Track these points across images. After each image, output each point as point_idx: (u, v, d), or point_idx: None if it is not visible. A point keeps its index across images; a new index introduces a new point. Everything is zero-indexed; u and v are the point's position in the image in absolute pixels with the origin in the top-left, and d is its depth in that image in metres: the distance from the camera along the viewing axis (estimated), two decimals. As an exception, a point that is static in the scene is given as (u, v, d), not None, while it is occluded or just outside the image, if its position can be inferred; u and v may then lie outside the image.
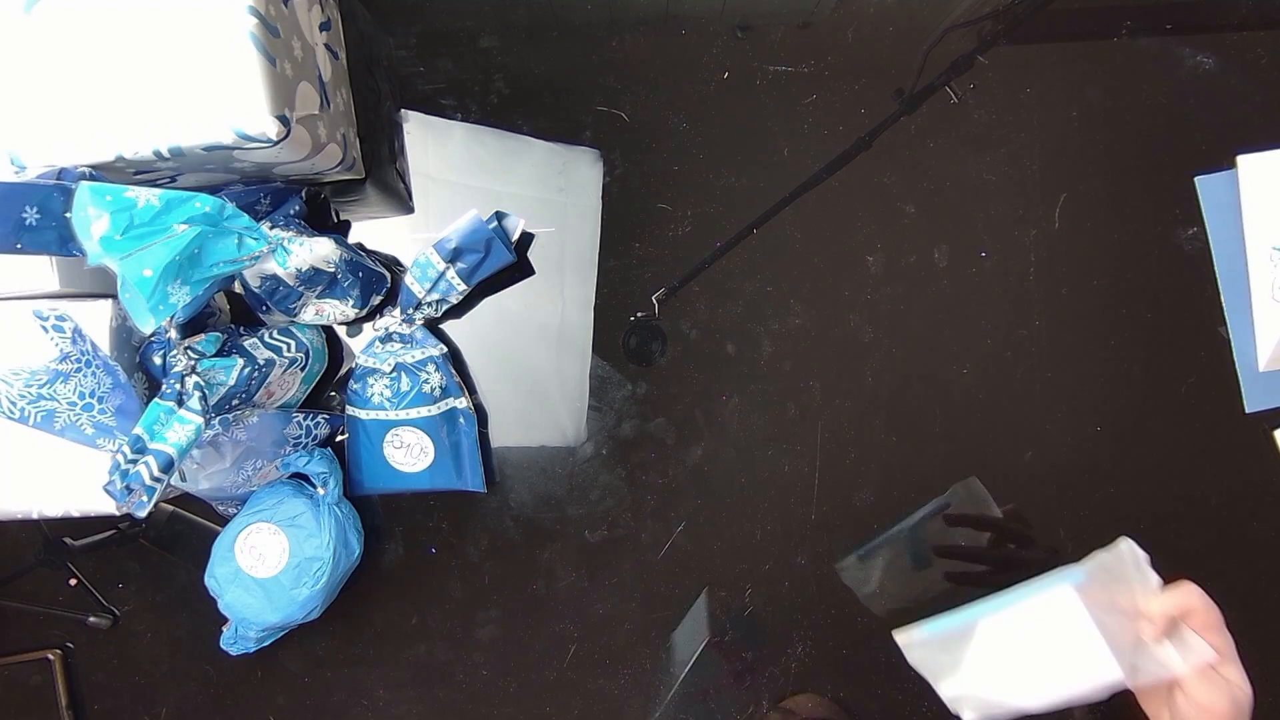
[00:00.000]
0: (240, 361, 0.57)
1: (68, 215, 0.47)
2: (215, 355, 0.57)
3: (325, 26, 0.63)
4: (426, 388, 0.65)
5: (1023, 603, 0.52)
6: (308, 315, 0.64)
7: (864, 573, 0.68)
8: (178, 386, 0.54)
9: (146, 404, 0.53)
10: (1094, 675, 0.50)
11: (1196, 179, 0.67)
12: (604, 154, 0.69)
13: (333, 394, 0.70)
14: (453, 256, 0.63)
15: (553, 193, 0.69)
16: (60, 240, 0.48)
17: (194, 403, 0.53)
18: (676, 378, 0.68)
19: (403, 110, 0.69)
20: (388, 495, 0.69)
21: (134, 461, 0.51)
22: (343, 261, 0.62)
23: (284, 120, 0.52)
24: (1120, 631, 0.51)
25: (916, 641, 0.56)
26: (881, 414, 0.68)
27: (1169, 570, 0.68)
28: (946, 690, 0.55)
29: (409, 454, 0.66)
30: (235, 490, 0.63)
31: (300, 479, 0.67)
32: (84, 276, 0.58)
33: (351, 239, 0.69)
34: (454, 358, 0.69)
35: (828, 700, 0.68)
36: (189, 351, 0.56)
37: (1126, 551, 0.53)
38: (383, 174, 0.70)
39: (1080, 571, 0.51)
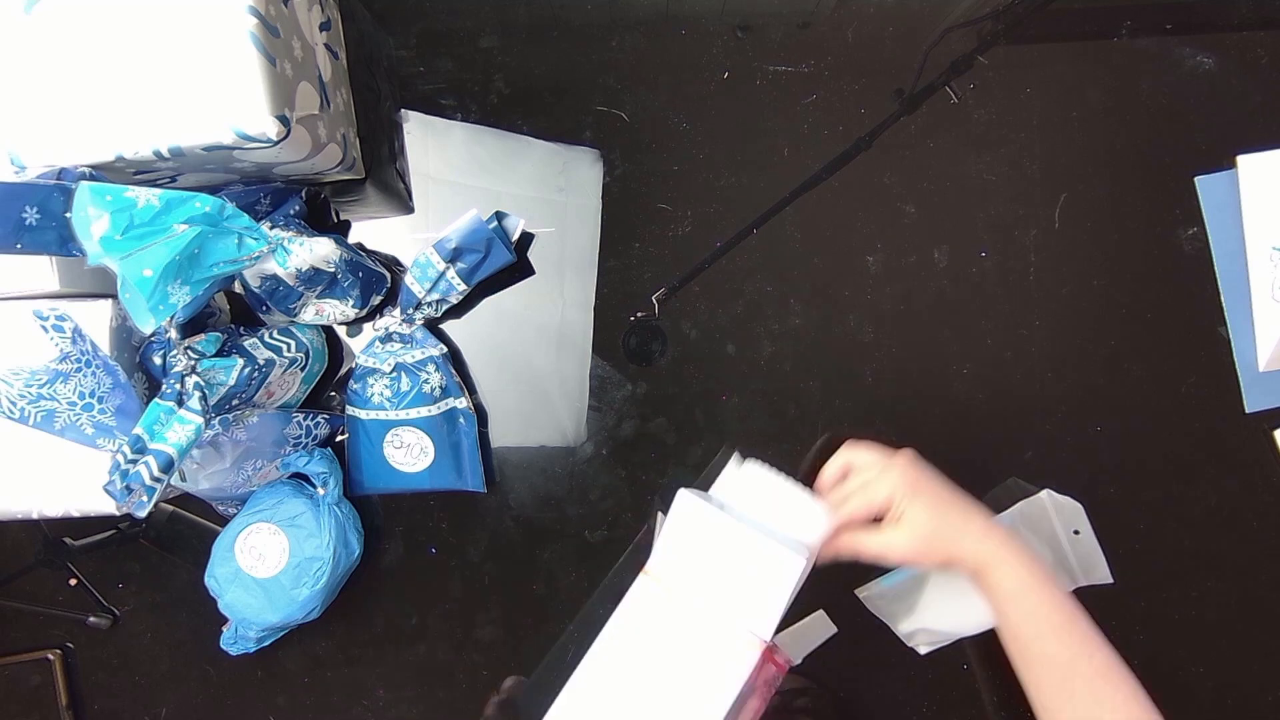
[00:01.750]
0: (240, 361, 0.57)
1: (68, 215, 0.47)
2: (215, 355, 0.57)
3: (325, 26, 0.63)
4: (426, 388, 0.65)
5: None
6: (308, 315, 0.64)
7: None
8: (178, 386, 0.54)
9: (146, 404, 0.53)
10: None
11: (1196, 179, 0.67)
12: (604, 154, 0.69)
13: (333, 394, 0.70)
14: (453, 256, 0.63)
15: (553, 193, 0.69)
16: (60, 240, 0.48)
17: (194, 403, 0.53)
18: (676, 378, 0.68)
19: (403, 110, 0.69)
20: (388, 495, 0.69)
21: (134, 461, 0.51)
22: (343, 261, 0.62)
23: (284, 120, 0.52)
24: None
25: (876, 594, 0.67)
26: (881, 414, 0.68)
27: (1168, 571, 0.68)
28: (903, 629, 0.66)
29: (409, 454, 0.66)
30: (235, 490, 0.63)
31: (300, 479, 0.67)
32: (84, 276, 0.58)
33: (351, 239, 0.69)
34: (454, 358, 0.69)
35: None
36: (189, 351, 0.56)
37: (1046, 498, 0.63)
38: (383, 174, 0.70)
39: (1007, 519, 0.62)
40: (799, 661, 0.56)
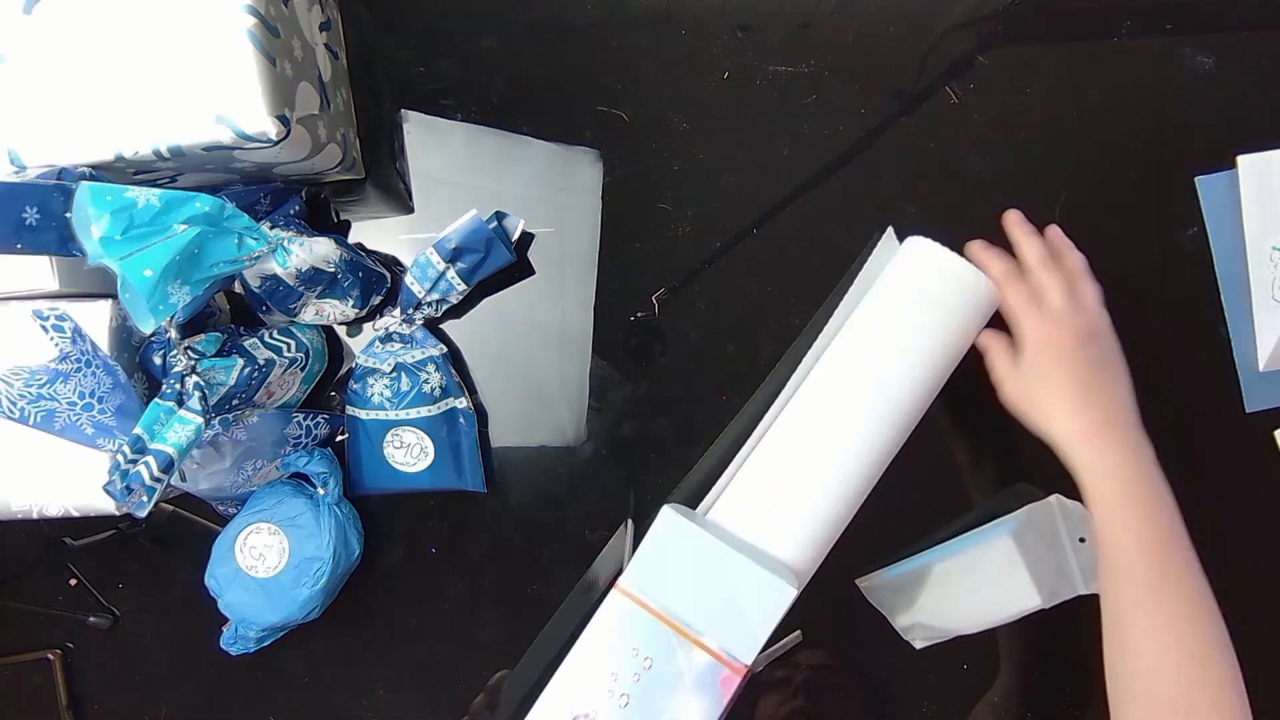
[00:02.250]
0: (240, 361, 0.58)
1: (68, 215, 0.47)
2: (215, 355, 0.57)
3: (325, 26, 0.63)
4: (426, 388, 0.65)
5: (968, 550, 0.62)
6: (308, 315, 0.64)
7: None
8: (178, 386, 0.54)
9: (146, 404, 0.53)
10: (1020, 603, 0.61)
11: (1196, 179, 0.67)
12: (604, 154, 0.69)
13: (333, 394, 0.70)
14: (453, 256, 0.63)
15: (553, 193, 0.69)
16: (60, 240, 0.48)
17: (194, 403, 0.53)
18: (676, 378, 0.68)
19: (403, 110, 0.69)
20: (388, 495, 0.69)
21: (134, 461, 0.51)
22: (343, 261, 0.62)
23: (284, 120, 0.52)
24: (1042, 565, 0.61)
25: (876, 585, 0.66)
26: (881, 414, 0.68)
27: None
28: (901, 622, 0.66)
29: (409, 454, 0.66)
30: (235, 490, 0.63)
31: (300, 479, 0.67)
32: (84, 276, 0.58)
33: (351, 239, 0.69)
34: (454, 358, 0.69)
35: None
36: (189, 351, 0.56)
37: (1054, 504, 0.62)
38: (383, 174, 0.70)
39: (1014, 521, 0.62)
40: (760, 669, 0.55)
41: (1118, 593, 0.49)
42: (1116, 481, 0.51)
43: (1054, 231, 0.59)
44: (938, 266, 0.54)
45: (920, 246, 0.56)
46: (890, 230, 0.57)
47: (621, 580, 0.49)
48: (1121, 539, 0.50)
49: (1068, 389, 0.53)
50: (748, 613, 0.48)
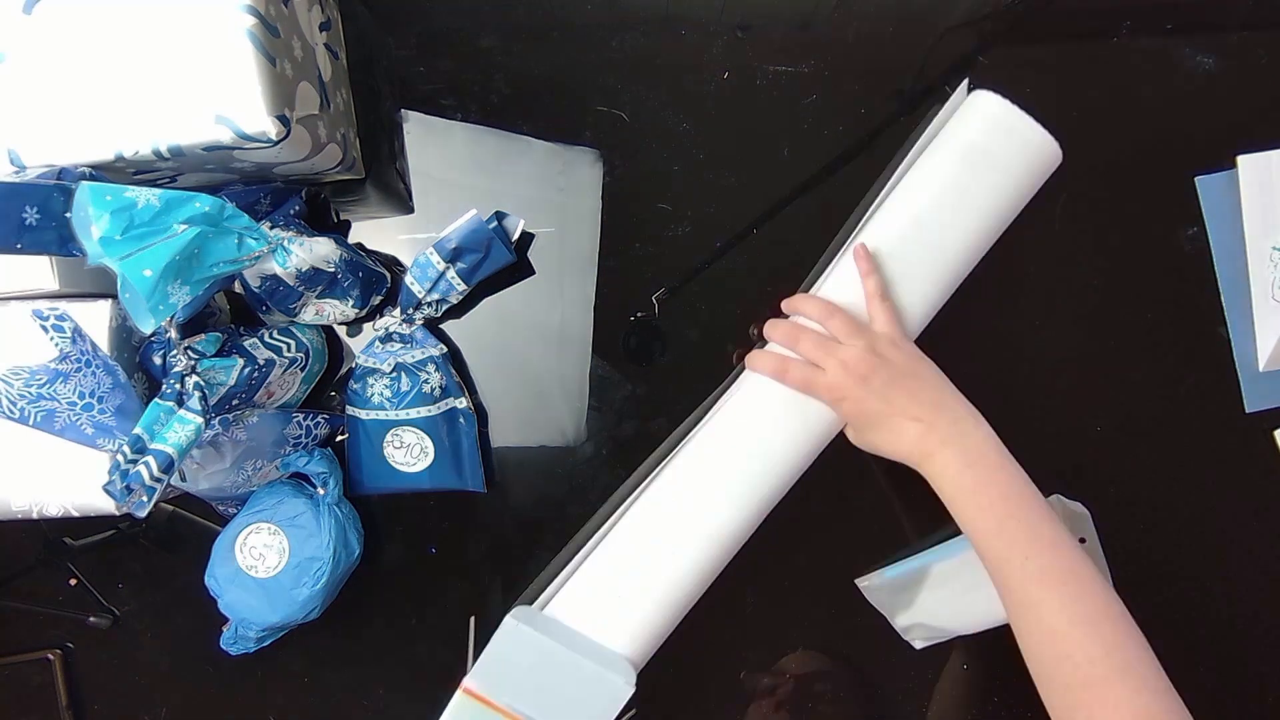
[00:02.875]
0: (240, 361, 0.58)
1: (68, 215, 0.47)
2: (215, 355, 0.57)
3: (325, 26, 0.63)
4: (426, 388, 0.65)
5: (968, 550, 0.61)
6: (308, 315, 0.64)
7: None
8: (178, 386, 0.54)
9: (146, 404, 0.53)
10: None
11: (1196, 179, 0.67)
12: (604, 154, 0.69)
13: (333, 394, 0.70)
14: (453, 256, 0.63)
15: (553, 193, 0.69)
16: (60, 240, 0.48)
17: (194, 403, 0.53)
18: (676, 378, 0.68)
19: (403, 110, 0.69)
20: (388, 495, 0.69)
21: (134, 461, 0.51)
22: (343, 261, 0.62)
23: (284, 120, 0.52)
24: None
25: (876, 585, 0.67)
26: (881, 414, 0.68)
27: (1167, 571, 0.68)
28: (900, 622, 0.66)
29: (409, 454, 0.66)
30: (235, 490, 0.63)
31: (300, 479, 0.67)
32: (84, 276, 0.58)
33: (351, 239, 0.69)
34: (454, 358, 0.69)
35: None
36: (189, 351, 0.56)
37: (1055, 504, 0.63)
38: (383, 174, 0.70)
39: None
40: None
41: (1005, 591, 0.50)
42: (955, 484, 0.52)
43: (857, 253, 0.57)
44: (1006, 125, 0.54)
45: (986, 102, 0.55)
46: (964, 84, 0.57)
47: (467, 681, 0.52)
48: (994, 545, 0.50)
49: (882, 426, 0.54)
50: (588, 708, 0.51)
